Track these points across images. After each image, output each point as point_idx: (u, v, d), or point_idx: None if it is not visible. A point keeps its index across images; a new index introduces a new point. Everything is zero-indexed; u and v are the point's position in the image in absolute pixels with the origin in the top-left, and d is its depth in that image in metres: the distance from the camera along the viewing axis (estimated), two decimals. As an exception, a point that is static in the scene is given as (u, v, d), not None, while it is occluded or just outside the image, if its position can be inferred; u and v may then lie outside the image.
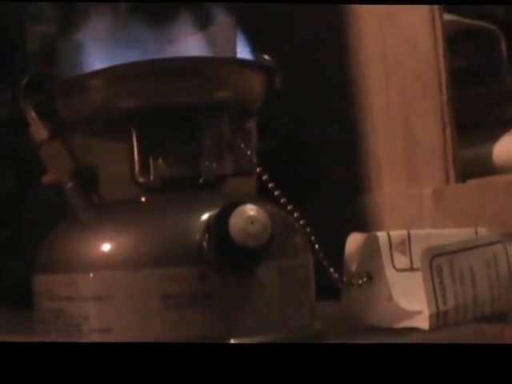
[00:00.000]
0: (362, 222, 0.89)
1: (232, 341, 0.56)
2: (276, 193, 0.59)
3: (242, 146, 0.61)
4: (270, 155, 0.63)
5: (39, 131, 0.63)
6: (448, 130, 0.85)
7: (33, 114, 0.63)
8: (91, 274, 0.57)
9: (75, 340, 0.57)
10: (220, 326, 0.56)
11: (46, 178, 0.64)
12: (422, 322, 0.62)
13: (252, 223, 0.55)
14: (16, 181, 1.06)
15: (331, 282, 0.63)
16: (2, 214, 1.08)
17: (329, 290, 0.66)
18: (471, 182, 0.83)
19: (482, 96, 0.95)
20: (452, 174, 0.85)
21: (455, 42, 0.90)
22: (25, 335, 0.62)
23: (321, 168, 1.01)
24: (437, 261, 0.63)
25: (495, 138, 0.89)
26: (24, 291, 0.63)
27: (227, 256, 0.55)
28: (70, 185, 0.62)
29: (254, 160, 0.62)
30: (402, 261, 0.67)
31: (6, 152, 1.07)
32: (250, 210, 0.55)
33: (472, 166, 0.87)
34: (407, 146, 0.90)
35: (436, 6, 0.84)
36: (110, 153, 0.63)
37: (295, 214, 0.60)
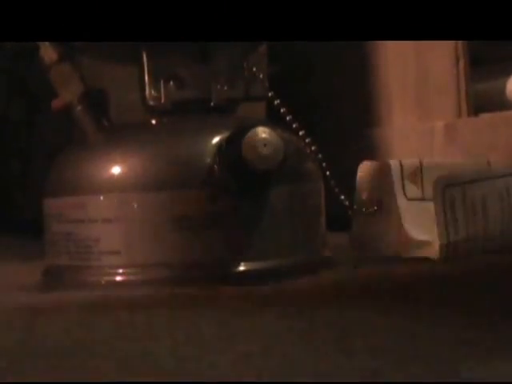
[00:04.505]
0: (372, 155, 0.88)
1: (242, 265, 0.56)
2: (288, 118, 0.59)
3: (254, 69, 0.60)
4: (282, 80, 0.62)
5: (49, 53, 0.62)
6: (461, 63, 0.84)
7: (42, 36, 0.62)
8: (101, 197, 0.57)
9: (86, 263, 0.57)
10: (230, 249, 0.56)
11: (56, 103, 0.63)
12: (432, 252, 0.62)
13: (265, 145, 0.54)
14: (26, 110, 1.06)
15: (342, 210, 0.63)
16: (13, 144, 1.08)
17: (339, 220, 0.66)
18: (483, 116, 0.82)
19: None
20: (464, 107, 0.84)
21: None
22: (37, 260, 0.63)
23: (332, 96, 1.00)
24: (450, 191, 0.63)
25: (509, 72, 0.88)
26: (35, 219, 0.63)
27: (239, 178, 0.55)
28: (79, 108, 0.61)
29: (266, 84, 0.61)
30: (413, 190, 0.66)
31: (14, 82, 1.06)
32: (263, 132, 0.55)
33: (485, 100, 0.86)
34: (419, 78, 0.89)
35: None
36: (120, 78, 0.62)
37: (307, 140, 0.59)
